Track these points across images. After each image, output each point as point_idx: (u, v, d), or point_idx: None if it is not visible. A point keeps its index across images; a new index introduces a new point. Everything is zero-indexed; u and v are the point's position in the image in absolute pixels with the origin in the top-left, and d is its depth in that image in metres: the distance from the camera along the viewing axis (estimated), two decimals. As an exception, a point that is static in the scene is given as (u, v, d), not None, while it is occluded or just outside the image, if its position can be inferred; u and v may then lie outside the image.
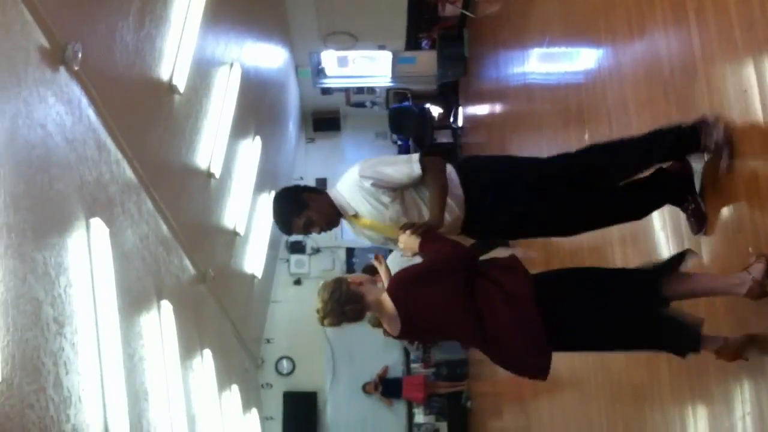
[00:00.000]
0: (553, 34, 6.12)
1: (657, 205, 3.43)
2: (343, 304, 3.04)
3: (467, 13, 11.24)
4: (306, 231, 3.45)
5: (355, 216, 3.40)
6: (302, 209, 3.39)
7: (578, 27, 5.33)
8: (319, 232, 3.46)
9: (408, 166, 3.28)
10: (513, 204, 3.30)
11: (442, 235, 3.17)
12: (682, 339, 2.86)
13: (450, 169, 3.39)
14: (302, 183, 3.38)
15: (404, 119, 12.73)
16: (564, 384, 5.67)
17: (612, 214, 3.40)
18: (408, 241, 3.10)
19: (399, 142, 13.46)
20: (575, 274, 3.12)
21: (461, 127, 12.78)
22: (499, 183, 3.31)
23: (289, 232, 3.49)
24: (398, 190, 3.33)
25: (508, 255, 3.14)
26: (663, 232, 3.70)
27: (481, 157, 3.66)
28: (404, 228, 3.14)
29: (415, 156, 3.32)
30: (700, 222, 3.26)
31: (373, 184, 3.30)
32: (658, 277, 2.90)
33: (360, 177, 3.31)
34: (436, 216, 3.21)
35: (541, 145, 6.61)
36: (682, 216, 3.39)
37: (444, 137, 13.19)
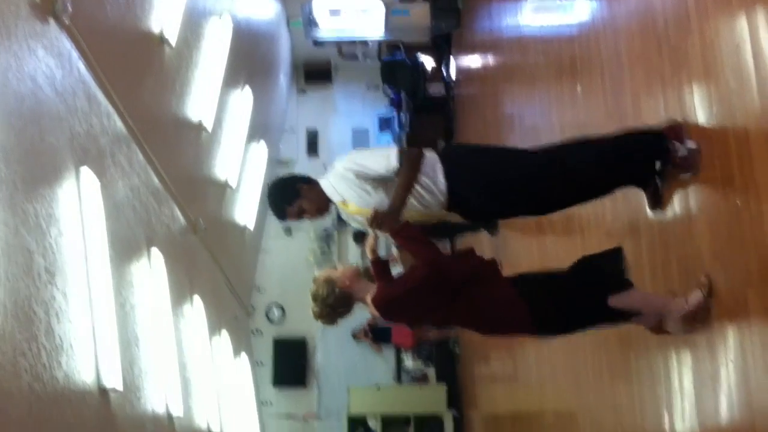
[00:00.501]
0: (547, -15, 6.08)
1: (620, 185, 3.61)
2: (336, 308, 3.41)
3: (461, -36, 11.13)
4: (299, 218, 3.74)
5: (343, 203, 3.63)
6: (295, 199, 3.66)
7: (573, -22, 5.29)
8: (311, 219, 3.77)
9: (386, 160, 3.49)
10: (498, 202, 3.58)
11: (416, 234, 3.36)
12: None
13: (435, 159, 3.56)
14: (296, 171, 3.81)
15: (397, 71, 12.65)
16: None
17: (585, 194, 3.63)
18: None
19: (391, 95, 13.39)
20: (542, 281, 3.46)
21: (454, 80, 12.72)
22: (484, 183, 3.53)
23: (283, 218, 3.78)
24: (379, 180, 3.54)
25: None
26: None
27: (467, 149, 3.76)
28: (371, 219, 3.46)
29: (394, 150, 3.53)
30: (656, 201, 3.54)
31: (356, 175, 3.54)
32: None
33: (344, 169, 3.56)
34: (394, 208, 3.45)
35: (534, 97, 6.60)
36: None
37: (436, 89, 13.12)
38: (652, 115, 3.67)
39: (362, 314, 11.70)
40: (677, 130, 3.29)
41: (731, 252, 2.94)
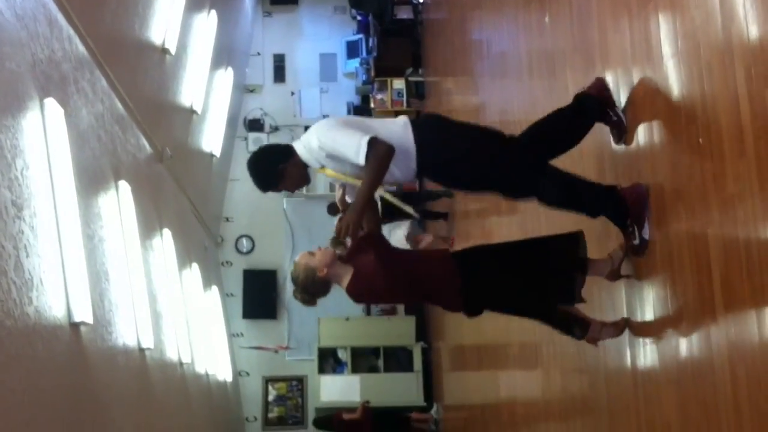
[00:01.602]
0: None
1: (588, 129, 3.74)
2: (315, 294, 3.75)
3: None
4: (280, 191, 3.93)
5: (322, 168, 3.71)
6: (279, 182, 3.75)
7: None
8: (293, 192, 3.99)
9: (355, 152, 3.47)
10: (466, 181, 3.76)
11: (377, 242, 3.67)
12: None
13: (409, 143, 3.57)
14: (273, 143, 3.98)
15: (364, -6, 12.45)
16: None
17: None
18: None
19: (358, 18, 13.20)
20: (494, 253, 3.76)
21: (422, 3, 12.55)
22: (456, 164, 3.62)
23: (264, 192, 3.94)
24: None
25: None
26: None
27: (441, 127, 3.75)
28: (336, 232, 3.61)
29: (365, 143, 3.45)
30: (620, 133, 3.63)
31: (327, 156, 3.59)
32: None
33: (318, 147, 3.59)
34: (357, 210, 3.52)
35: (502, 24, 6.55)
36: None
37: (404, 13, 12.94)
38: (618, 50, 3.68)
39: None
40: (641, 201, 3.41)
41: (691, 189, 3.00)
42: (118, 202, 5.61)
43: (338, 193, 3.74)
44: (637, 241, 3.43)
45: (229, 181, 11.98)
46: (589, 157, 4.15)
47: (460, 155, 3.60)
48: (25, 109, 3.99)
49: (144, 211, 6.33)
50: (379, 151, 3.47)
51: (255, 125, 12.68)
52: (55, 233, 4.15)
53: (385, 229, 9.01)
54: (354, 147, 3.47)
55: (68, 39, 4.80)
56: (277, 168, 3.70)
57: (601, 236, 3.79)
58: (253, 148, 12.59)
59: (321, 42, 13.36)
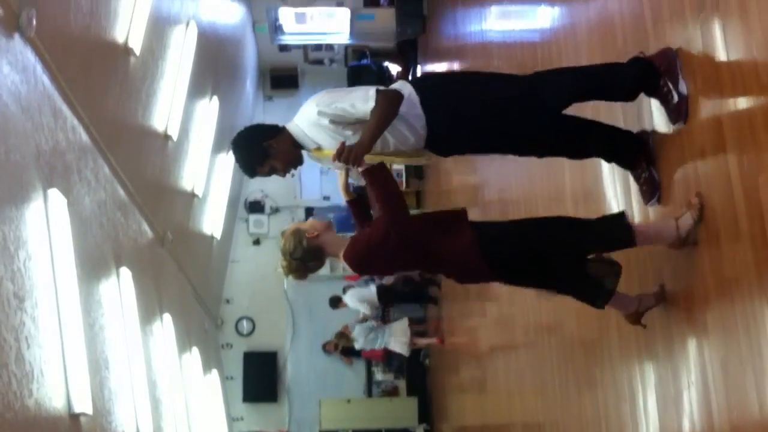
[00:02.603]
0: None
1: (607, 155, 3.48)
2: (306, 261, 3.26)
3: (425, -30, 11.19)
4: (270, 175, 3.50)
5: (318, 149, 3.39)
6: (265, 159, 3.40)
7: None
8: (284, 175, 3.51)
9: (364, 104, 3.25)
10: (469, 122, 3.35)
11: (385, 177, 3.13)
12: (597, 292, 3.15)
13: (409, 90, 3.33)
14: (260, 122, 3.24)
15: (363, 77, 12.68)
16: (519, 344, 5.81)
17: (562, 143, 3.46)
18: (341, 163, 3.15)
19: (357, 100, 13.41)
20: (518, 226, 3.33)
21: (420, 85, 12.75)
22: (455, 103, 3.34)
23: (252, 177, 3.57)
24: (357, 123, 3.30)
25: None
26: (615, 200, 3.80)
27: (439, 76, 3.59)
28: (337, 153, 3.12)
29: (372, 92, 3.27)
30: (653, 190, 3.32)
31: (331, 122, 3.29)
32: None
33: (318, 115, 3.29)
34: (365, 141, 3.14)
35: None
36: (634, 187, 3.49)
37: (402, 94, 13.14)
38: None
39: (333, 323, 11.70)
40: (670, 60, 3.12)
41: (690, 273, 3.02)
42: (119, 289, 5.61)
43: (341, 178, 3.47)
44: (675, 99, 3.10)
45: (230, 263, 12.00)
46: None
47: (466, 95, 3.34)
48: (28, 200, 4.03)
49: (145, 297, 6.33)
50: (389, 93, 3.24)
51: (256, 207, 12.74)
52: (56, 323, 4.14)
53: (385, 334, 9.09)
54: (361, 97, 3.24)
55: (72, 129, 4.87)
56: (262, 144, 3.37)
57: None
58: (254, 230, 12.68)
59: (321, 124, 13.51)
